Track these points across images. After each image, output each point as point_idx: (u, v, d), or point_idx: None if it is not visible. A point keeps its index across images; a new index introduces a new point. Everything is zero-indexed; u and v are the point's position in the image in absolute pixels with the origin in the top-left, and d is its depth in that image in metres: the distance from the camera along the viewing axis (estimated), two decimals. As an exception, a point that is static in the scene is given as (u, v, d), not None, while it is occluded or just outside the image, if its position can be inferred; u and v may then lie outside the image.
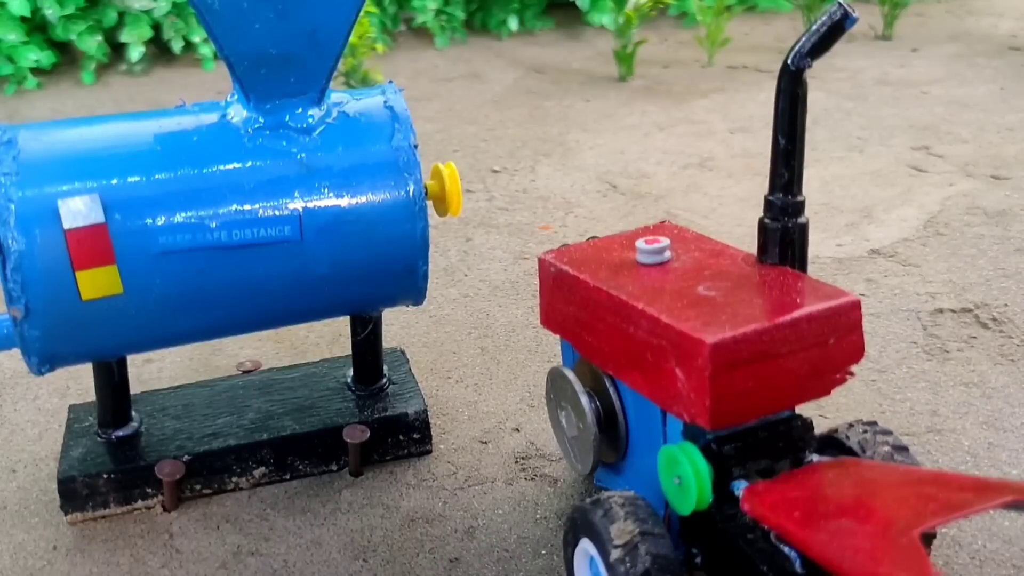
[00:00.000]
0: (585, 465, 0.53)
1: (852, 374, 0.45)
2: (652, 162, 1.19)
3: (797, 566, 0.42)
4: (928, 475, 0.44)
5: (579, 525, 0.47)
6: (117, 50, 1.72)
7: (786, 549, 0.42)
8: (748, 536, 0.44)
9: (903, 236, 0.94)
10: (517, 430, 0.65)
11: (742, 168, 1.13)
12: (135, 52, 1.70)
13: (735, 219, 0.98)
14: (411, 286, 0.58)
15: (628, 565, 0.43)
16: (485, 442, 0.64)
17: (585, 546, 0.47)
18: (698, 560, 0.47)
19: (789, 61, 0.44)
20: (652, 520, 0.45)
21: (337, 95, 0.57)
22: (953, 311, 0.79)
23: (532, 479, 0.60)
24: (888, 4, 1.82)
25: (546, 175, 1.15)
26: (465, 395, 0.70)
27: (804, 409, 0.50)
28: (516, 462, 0.62)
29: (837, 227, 0.97)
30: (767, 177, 0.48)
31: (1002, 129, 1.27)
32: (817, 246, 0.93)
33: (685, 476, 0.43)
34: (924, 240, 0.93)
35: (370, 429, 0.60)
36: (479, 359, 0.74)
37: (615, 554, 0.44)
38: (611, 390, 0.51)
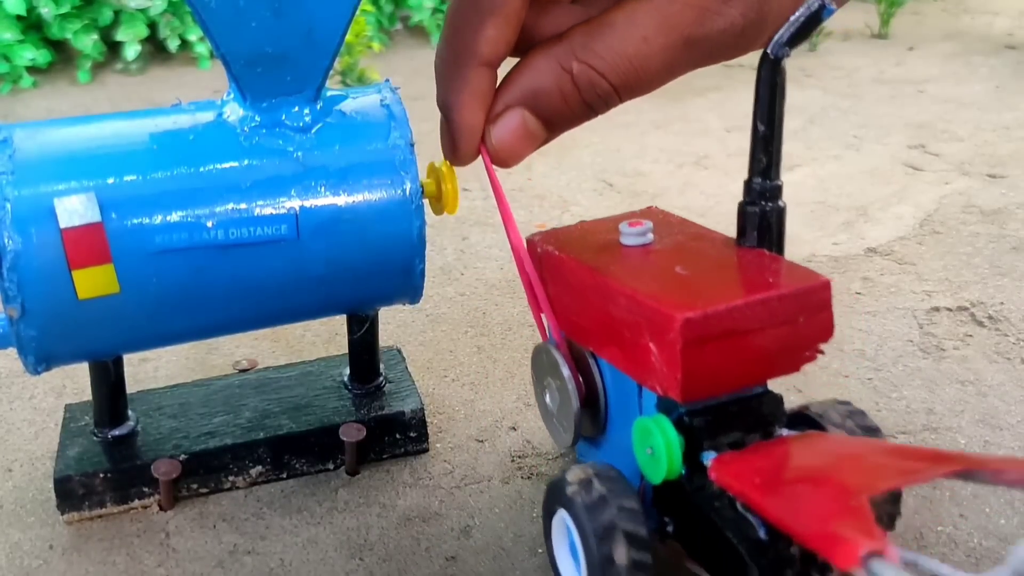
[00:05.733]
0: (567, 439, 0.54)
1: (822, 352, 0.46)
2: (648, 160, 1.19)
3: (761, 533, 0.43)
4: (889, 447, 0.45)
5: (555, 497, 0.49)
6: (113, 49, 1.72)
7: (751, 517, 0.43)
8: (716, 504, 0.45)
9: (899, 234, 0.94)
10: (514, 429, 0.65)
11: (738, 167, 1.13)
12: (131, 51, 1.70)
13: (731, 217, 0.98)
14: (408, 285, 0.58)
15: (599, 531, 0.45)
16: (482, 441, 0.64)
17: (562, 516, 0.48)
18: (670, 529, 0.48)
19: (769, 50, 0.45)
20: (623, 489, 0.46)
21: (333, 93, 0.57)
22: (949, 309, 0.79)
23: (528, 477, 0.60)
24: (884, 3, 1.82)
25: (542, 173, 1.15)
26: (462, 394, 0.70)
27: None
28: (512, 460, 0.62)
29: (833, 225, 0.97)
30: (761, 175, 0.48)
31: (998, 127, 1.27)
32: (813, 244, 0.93)
33: (657, 447, 0.45)
34: (920, 239, 0.93)
35: (367, 428, 0.60)
36: (476, 358, 0.74)
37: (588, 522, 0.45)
38: (592, 366, 0.52)
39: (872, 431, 0.49)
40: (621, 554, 0.44)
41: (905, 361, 0.72)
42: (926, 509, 0.56)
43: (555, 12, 0.49)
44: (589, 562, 0.45)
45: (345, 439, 0.60)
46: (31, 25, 1.66)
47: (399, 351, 0.70)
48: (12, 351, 0.54)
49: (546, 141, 0.51)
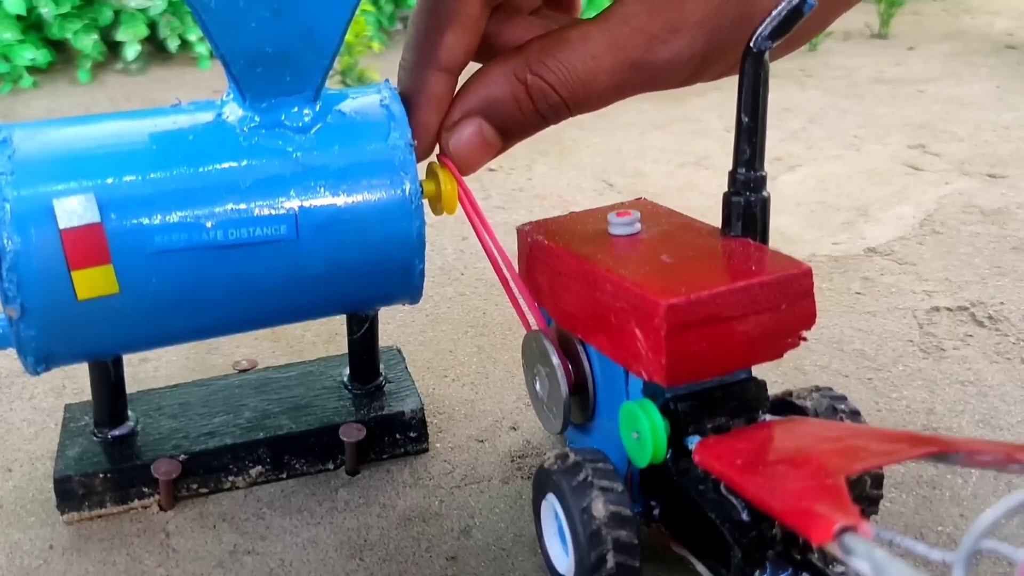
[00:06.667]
0: (556, 426, 0.55)
1: (804, 339, 0.47)
2: (648, 160, 1.19)
3: (744, 515, 0.44)
4: (867, 430, 0.46)
5: (543, 482, 0.50)
6: (113, 49, 1.72)
7: (734, 499, 0.45)
8: (700, 487, 0.46)
9: (899, 234, 0.94)
10: (514, 428, 0.65)
11: (738, 166, 1.13)
12: (131, 51, 1.70)
13: (731, 217, 0.98)
14: (408, 285, 0.58)
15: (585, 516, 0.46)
16: (482, 441, 0.64)
17: (549, 502, 0.49)
18: (656, 512, 0.50)
19: (752, 44, 0.46)
20: (597, 455, 0.48)
21: (333, 93, 0.57)
22: (949, 309, 0.79)
23: (528, 477, 0.60)
24: (884, 3, 1.82)
25: (542, 173, 1.15)
26: (462, 394, 0.70)
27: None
28: (512, 460, 0.62)
29: (833, 225, 0.97)
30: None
31: (998, 127, 1.27)
32: (814, 244, 0.93)
33: (642, 431, 0.46)
34: (920, 238, 0.93)
35: (366, 428, 0.60)
36: (475, 357, 0.74)
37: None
38: (581, 353, 0.53)
39: (838, 399, 0.51)
40: (599, 508, 0.45)
41: (905, 361, 0.72)
42: (926, 509, 0.56)
43: (517, 23, 0.51)
44: (572, 529, 0.46)
45: (345, 439, 0.60)
46: (31, 25, 1.66)
47: (399, 351, 0.70)
48: (11, 351, 0.54)
49: (503, 150, 0.53)
